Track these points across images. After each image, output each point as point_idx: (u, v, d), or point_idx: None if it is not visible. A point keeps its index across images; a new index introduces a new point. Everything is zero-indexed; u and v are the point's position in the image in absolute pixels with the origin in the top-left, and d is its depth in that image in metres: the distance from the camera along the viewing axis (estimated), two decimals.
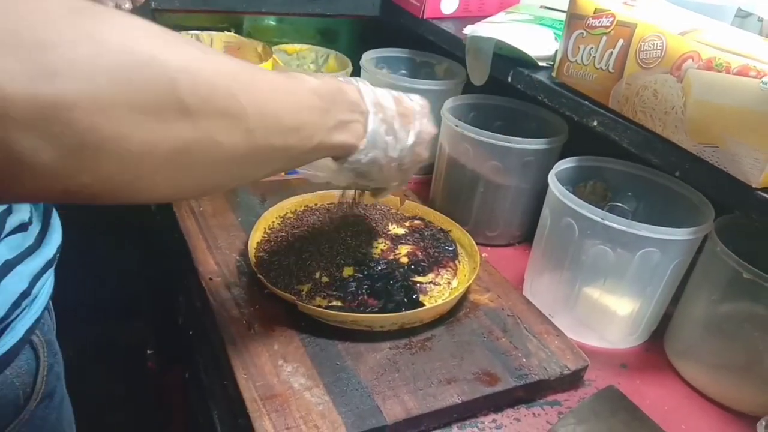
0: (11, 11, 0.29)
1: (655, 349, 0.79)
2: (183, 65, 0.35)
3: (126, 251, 1.60)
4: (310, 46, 1.19)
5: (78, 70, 0.30)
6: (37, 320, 0.54)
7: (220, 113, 0.38)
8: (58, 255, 0.56)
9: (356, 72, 1.12)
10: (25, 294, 0.50)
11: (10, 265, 0.49)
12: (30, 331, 0.53)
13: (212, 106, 0.37)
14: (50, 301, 0.59)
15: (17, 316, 0.50)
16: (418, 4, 1.02)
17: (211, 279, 0.74)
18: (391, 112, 0.57)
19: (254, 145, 0.41)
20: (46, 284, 0.55)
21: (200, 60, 0.37)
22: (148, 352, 1.36)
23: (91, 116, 0.31)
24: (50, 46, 0.29)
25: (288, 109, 0.45)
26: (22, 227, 0.51)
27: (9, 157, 0.29)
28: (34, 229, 0.54)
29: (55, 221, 0.57)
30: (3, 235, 0.49)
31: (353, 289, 0.72)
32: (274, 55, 1.07)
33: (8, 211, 0.50)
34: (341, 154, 0.54)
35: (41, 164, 0.30)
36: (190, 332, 0.76)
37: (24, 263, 0.50)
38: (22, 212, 0.52)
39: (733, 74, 0.58)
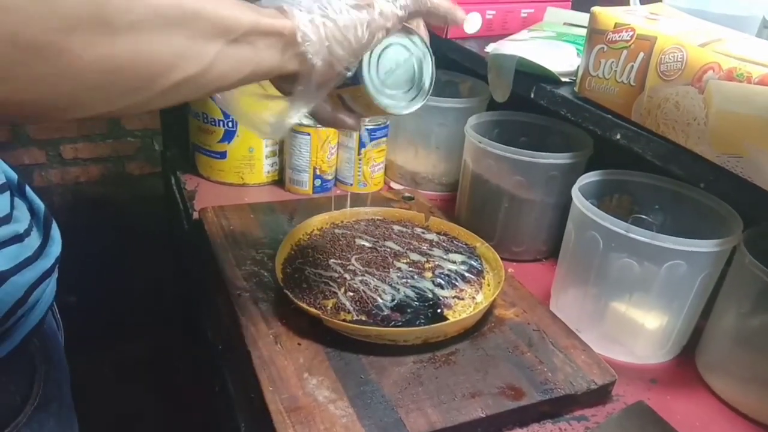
0: None
1: (687, 363, 0.78)
2: None
3: (155, 267, 1.64)
4: None
5: None
6: (34, 328, 0.55)
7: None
8: (56, 266, 0.57)
9: None
10: (20, 303, 0.51)
11: (4, 276, 0.50)
12: (27, 339, 0.54)
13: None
14: (55, 311, 0.60)
15: (13, 324, 0.51)
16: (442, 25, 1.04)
17: (239, 294, 0.76)
18: None
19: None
20: (45, 293, 0.56)
21: None
22: (177, 365, 1.38)
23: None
24: None
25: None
26: (17, 238, 0.52)
27: None
28: (33, 241, 0.55)
29: (56, 233, 0.58)
30: None
31: (378, 303, 0.73)
32: None
33: (5, 220, 0.51)
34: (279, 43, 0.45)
35: None
36: (219, 346, 0.77)
37: (20, 274, 0.51)
38: (19, 223, 0.53)
39: (755, 83, 0.57)
